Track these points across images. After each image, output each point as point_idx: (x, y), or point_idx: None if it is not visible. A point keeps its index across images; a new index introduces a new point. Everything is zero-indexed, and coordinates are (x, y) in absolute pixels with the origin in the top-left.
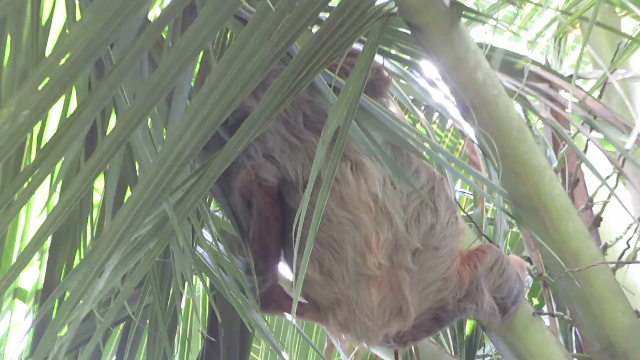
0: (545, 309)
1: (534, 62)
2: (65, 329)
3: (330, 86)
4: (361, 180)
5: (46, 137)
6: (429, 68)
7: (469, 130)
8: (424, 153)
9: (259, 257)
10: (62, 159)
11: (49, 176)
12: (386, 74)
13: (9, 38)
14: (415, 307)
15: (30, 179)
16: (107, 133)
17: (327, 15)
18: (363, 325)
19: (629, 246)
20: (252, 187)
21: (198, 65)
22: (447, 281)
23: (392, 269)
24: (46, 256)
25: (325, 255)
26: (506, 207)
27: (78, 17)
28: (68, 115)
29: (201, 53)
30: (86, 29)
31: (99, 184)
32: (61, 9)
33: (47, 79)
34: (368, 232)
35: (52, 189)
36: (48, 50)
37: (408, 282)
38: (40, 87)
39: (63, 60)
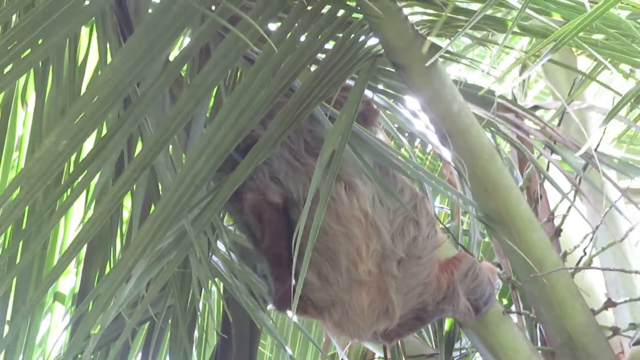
0: (513, 308)
1: (502, 96)
2: (98, 328)
3: (326, 116)
4: (354, 199)
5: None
6: (411, 101)
7: (447, 154)
8: (408, 172)
9: (274, 265)
10: (96, 177)
11: (84, 194)
12: (375, 106)
13: (50, 76)
14: (400, 308)
15: (68, 193)
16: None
17: (324, 56)
18: (355, 324)
19: (585, 254)
20: (261, 205)
21: (212, 99)
22: (428, 286)
23: (380, 275)
24: (82, 265)
25: (323, 263)
26: (479, 219)
27: (109, 58)
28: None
29: (215, 88)
30: (116, 70)
31: (128, 202)
32: (94, 51)
33: (82, 114)
34: (359, 244)
35: (87, 207)
36: (83, 87)
37: (394, 287)
38: (76, 121)
39: (96, 98)
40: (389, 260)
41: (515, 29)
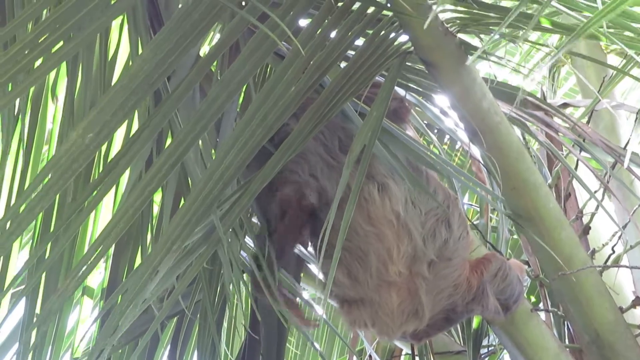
0: (541, 305)
1: (531, 93)
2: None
3: (356, 112)
4: (386, 200)
5: (112, 155)
6: (440, 98)
7: (475, 151)
8: (438, 168)
9: (276, 255)
10: (126, 173)
11: (113, 189)
12: (407, 103)
13: (80, 70)
14: (430, 309)
15: (98, 190)
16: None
17: (353, 53)
18: (384, 323)
19: (613, 252)
20: (291, 201)
21: (242, 95)
22: (458, 287)
23: (410, 277)
24: (110, 259)
25: (353, 263)
26: (508, 216)
27: (140, 50)
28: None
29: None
30: (144, 63)
31: (158, 197)
32: (125, 45)
33: (110, 107)
34: (390, 245)
35: (116, 204)
36: (114, 81)
37: (424, 289)
38: (104, 114)
39: (124, 91)
40: (419, 262)
41: (546, 25)
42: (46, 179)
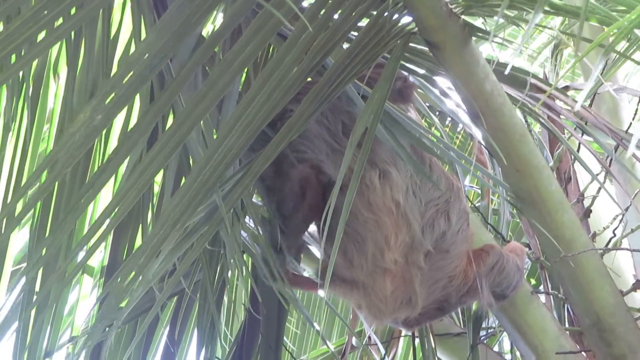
0: (542, 288)
1: (534, 75)
2: (126, 301)
3: (359, 94)
4: (387, 188)
5: (112, 136)
6: (443, 79)
7: (477, 133)
8: (438, 152)
9: (291, 240)
10: (128, 158)
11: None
12: (411, 81)
13: (82, 49)
14: (423, 299)
15: (100, 175)
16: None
17: (357, 34)
18: (376, 308)
19: (614, 235)
20: (311, 179)
21: (244, 76)
22: (453, 279)
23: (406, 265)
24: (111, 239)
25: (350, 246)
26: (509, 199)
27: (143, 32)
28: (131, 117)
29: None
30: (150, 46)
31: (159, 177)
32: (126, 24)
33: (116, 89)
34: (388, 233)
35: (118, 181)
36: (115, 60)
37: (419, 278)
38: (110, 96)
39: (130, 74)
40: (416, 251)
41: (547, 8)
42: (45, 171)
